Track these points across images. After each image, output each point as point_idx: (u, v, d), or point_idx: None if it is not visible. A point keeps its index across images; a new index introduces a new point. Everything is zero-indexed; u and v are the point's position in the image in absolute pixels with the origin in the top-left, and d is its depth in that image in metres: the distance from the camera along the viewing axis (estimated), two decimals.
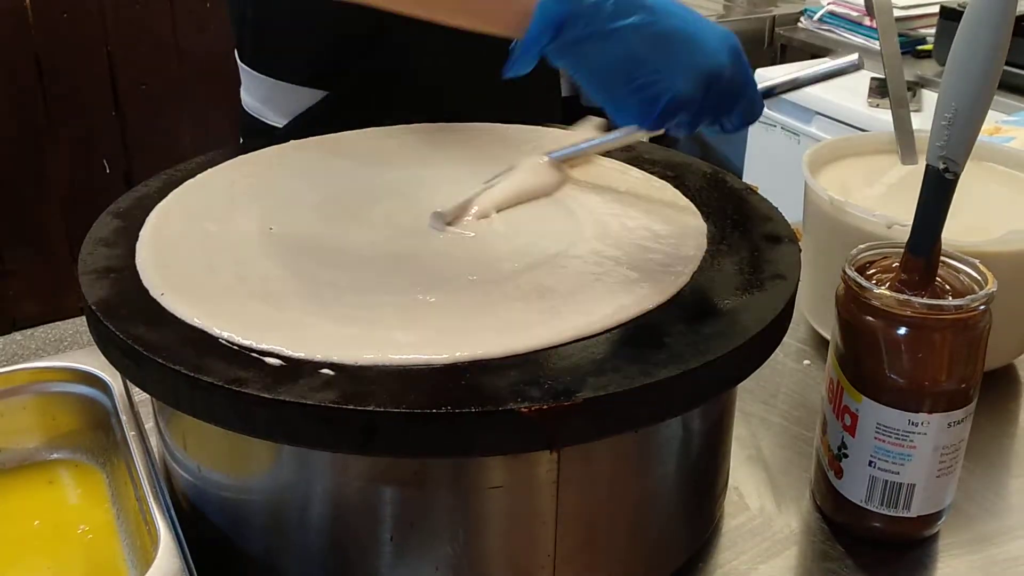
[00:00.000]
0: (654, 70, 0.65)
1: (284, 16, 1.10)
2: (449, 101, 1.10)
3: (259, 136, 0.87)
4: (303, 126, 1.06)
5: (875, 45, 2.35)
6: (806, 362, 0.96)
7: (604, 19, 0.64)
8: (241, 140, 1.17)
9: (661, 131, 0.70)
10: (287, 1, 1.09)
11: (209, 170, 0.83)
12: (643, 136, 0.81)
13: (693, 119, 0.68)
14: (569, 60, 0.67)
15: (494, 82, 1.08)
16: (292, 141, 0.91)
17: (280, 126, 1.11)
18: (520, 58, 0.67)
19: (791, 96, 2.39)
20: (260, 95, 1.15)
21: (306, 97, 1.11)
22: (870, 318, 0.68)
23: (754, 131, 2.53)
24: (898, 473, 0.69)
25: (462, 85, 1.10)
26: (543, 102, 1.19)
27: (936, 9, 2.35)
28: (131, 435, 0.72)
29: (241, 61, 1.18)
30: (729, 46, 0.68)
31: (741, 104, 0.70)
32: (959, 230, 0.74)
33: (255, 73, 1.14)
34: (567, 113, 1.04)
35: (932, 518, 0.72)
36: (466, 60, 1.08)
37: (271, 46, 1.13)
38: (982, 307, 0.67)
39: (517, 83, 0.72)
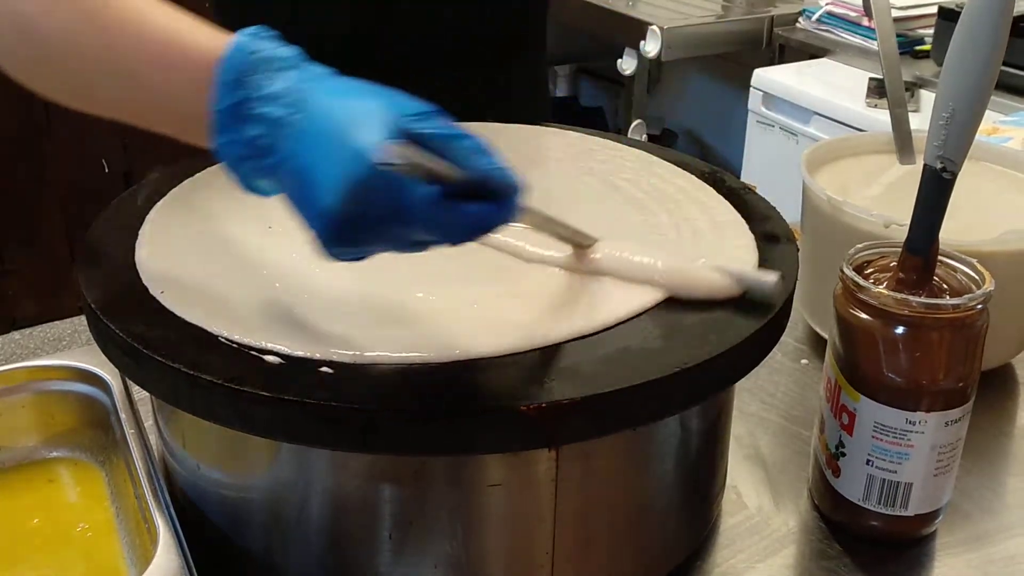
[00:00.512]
0: (301, 214, 0.55)
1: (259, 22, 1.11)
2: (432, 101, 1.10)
3: None
4: None
5: (873, 45, 2.35)
6: (804, 361, 0.96)
7: (264, 154, 0.56)
8: None
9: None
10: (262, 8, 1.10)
11: (208, 168, 0.83)
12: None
13: (365, 249, 0.56)
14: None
15: (477, 83, 1.09)
16: None
17: None
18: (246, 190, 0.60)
19: (790, 97, 2.39)
20: None
21: None
22: (868, 317, 0.68)
23: (752, 131, 2.53)
24: (895, 472, 0.70)
25: (444, 86, 1.10)
26: (529, 103, 1.18)
27: (934, 10, 2.35)
28: (130, 433, 0.72)
29: None
30: (342, 183, 0.52)
31: (409, 231, 0.54)
32: (957, 229, 0.74)
33: None
34: (563, 113, 1.04)
35: (929, 517, 0.72)
36: (448, 61, 1.08)
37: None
38: (979, 306, 0.67)
39: (501, 84, 0.70)
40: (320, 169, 0.53)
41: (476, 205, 0.53)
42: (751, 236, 0.74)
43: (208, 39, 0.59)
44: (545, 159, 0.86)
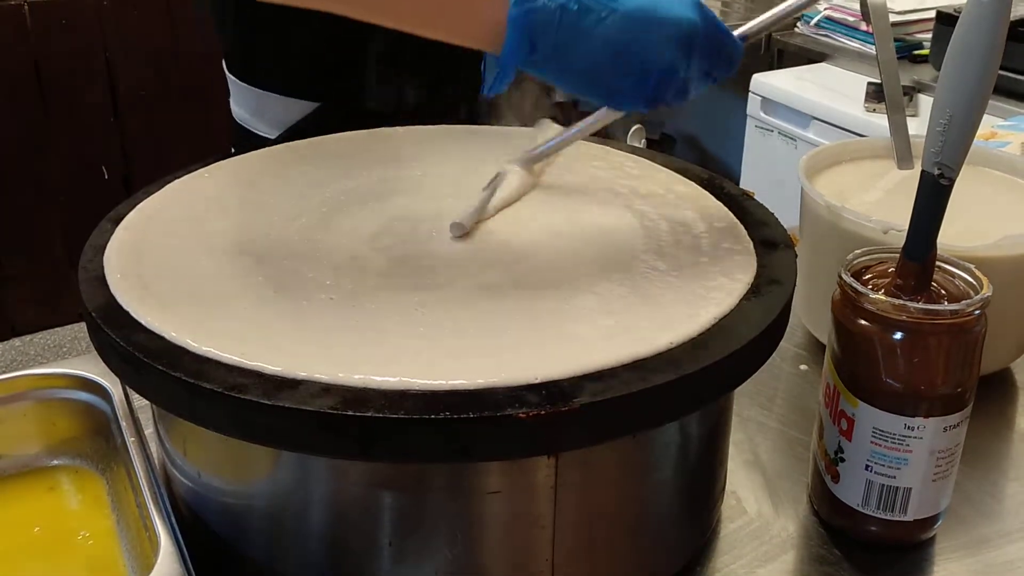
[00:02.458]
0: (636, 52, 0.66)
1: (268, 26, 1.10)
2: (439, 105, 1.10)
3: (251, 147, 0.87)
4: (294, 137, 1.06)
5: (872, 50, 2.36)
6: (803, 367, 0.96)
7: (573, 21, 0.65)
8: (232, 151, 1.17)
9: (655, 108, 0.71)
10: (269, 11, 1.10)
11: (199, 176, 0.84)
12: (618, 115, 0.80)
13: (685, 84, 0.69)
14: (549, 69, 0.67)
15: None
16: (284, 144, 0.92)
17: (272, 137, 1.11)
18: (499, 76, 0.67)
19: (788, 102, 2.39)
20: (249, 106, 1.15)
21: (296, 108, 1.10)
22: (866, 323, 0.68)
23: (751, 136, 2.53)
24: (894, 477, 0.70)
25: (451, 91, 1.11)
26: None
27: (932, 14, 2.36)
28: (131, 441, 0.72)
29: (229, 72, 1.17)
30: (694, 2, 0.68)
31: (723, 52, 0.71)
32: (955, 235, 0.74)
33: (243, 84, 1.14)
34: (563, 118, 1.04)
35: (928, 522, 0.72)
36: (456, 65, 1.08)
37: (257, 57, 1.13)
38: (978, 312, 0.67)
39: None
40: (663, 3, 0.66)
41: None
42: (749, 242, 0.74)
43: None
44: (548, 163, 0.86)
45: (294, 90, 1.10)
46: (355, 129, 0.95)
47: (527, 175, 0.83)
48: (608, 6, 0.65)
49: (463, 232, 0.74)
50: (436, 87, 1.11)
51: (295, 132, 1.09)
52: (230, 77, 1.17)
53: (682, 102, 0.71)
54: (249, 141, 1.14)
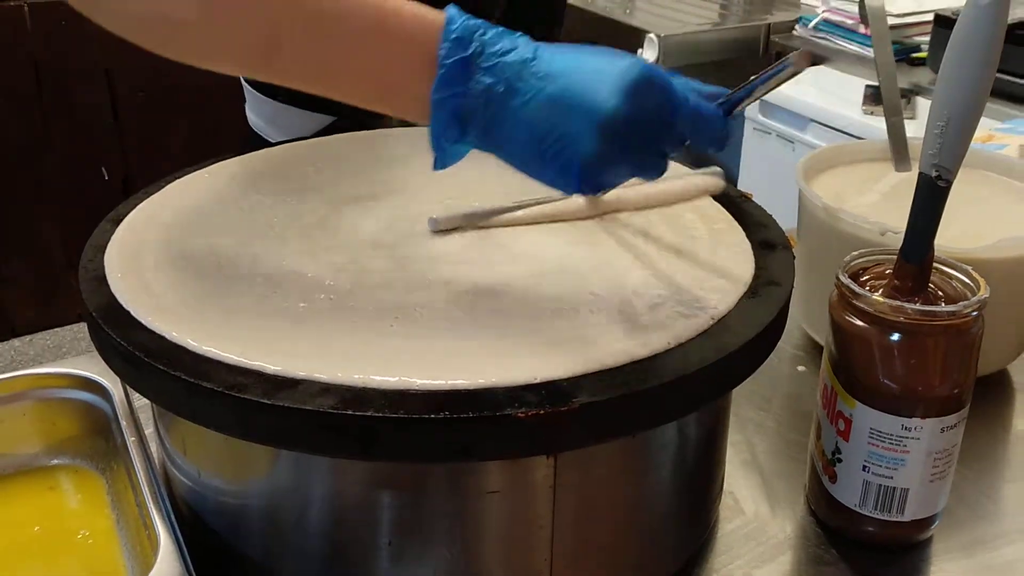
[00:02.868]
0: (557, 138, 0.61)
1: None
2: None
3: None
4: None
5: (870, 53, 2.36)
6: (800, 368, 0.96)
7: (500, 103, 0.61)
8: None
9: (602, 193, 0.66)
10: None
11: (199, 177, 0.84)
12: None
13: (622, 169, 0.63)
14: (486, 149, 0.64)
15: None
16: (284, 144, 0.92)
17: None
18: (438, 157, 0.64)
19: (786, 104, 2.40)
20: (264, 115, 1.15)
21: (311, 121, 1.11)
22: (864, 324, 0.68)
23: (749, 138, 2.54)
24: (892, 478, 0.70)
25: None
26: None
27: (930, 17, 2.36)
28: (131, 441, 0.72)
29: (245, 82, 1.18)
30: (623, 86, 0.60)
31: (680, 128, 0.63)
32: (952, 237, 0.74)
33: (259, 95, 1.14)
34: None
35: (926, 522, 0.73)
36: None
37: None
38: (975, 313, 0.67)
39: None
40: (590, 86, 0.60)
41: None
42: (748, 244, 0.74)
43: (417, 8, 0.63)
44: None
45: (310, 104, 1.10)
46: None
47: (577, 208, 0.78)
48: (535, 87, 0.61)
49: (437, 228, 0.74)
50: None
51: None
52: (247, 87, 1.18)
53: (650, 178, 0.65)
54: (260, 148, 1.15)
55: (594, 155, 0.60)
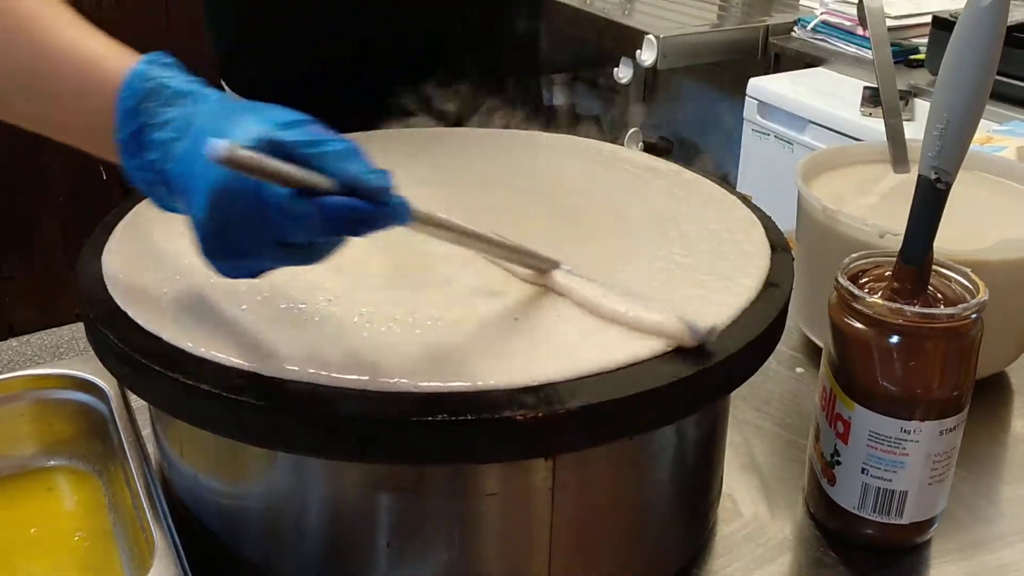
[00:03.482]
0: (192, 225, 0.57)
1: (262, 45, 1.12)
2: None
3: None
4: None
5: (868, 54, 2.36)
6: (799, 370, 0.96)
7: (159, 186, 0.60)
8: None
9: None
10: (264, 31, 1.10)
11: None
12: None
13: (247, 262, 0.57)
14: None
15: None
16: None
17: None
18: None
19: (785, 106, 2.40)
20: None
21: None
22: (862, 326, 0.68)
23: (748, 140, 2.53)
24: (891, 480, 0.70)
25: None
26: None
27: (928, 19, 2.36)
28: (128, 442, 0.72)
29: (227, 84, 1.19)
30: (207, 196, 0.54)
31: (274, 230, 0.54)
32: (951, 239, 0.74)
33: (240, 97, 1.15)
34: (559, 122, 1.04)
35: (925, 525, 0.73)
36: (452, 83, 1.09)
37: (251, 75, 1.14)
38: (974, 316, 0.67)
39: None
40: (192, 184, 0.55)
41: (339, 198, 0.53)
42: (766, 243, 0.74)
43: (118, 64, 0.61)
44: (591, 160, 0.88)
45: (277, 97, 1.11)
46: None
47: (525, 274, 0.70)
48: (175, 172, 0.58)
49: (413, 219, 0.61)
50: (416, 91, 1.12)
51: None
52: (227, 88, 1.18)
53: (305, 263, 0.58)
54: None
55: (208, 255, 0.56)
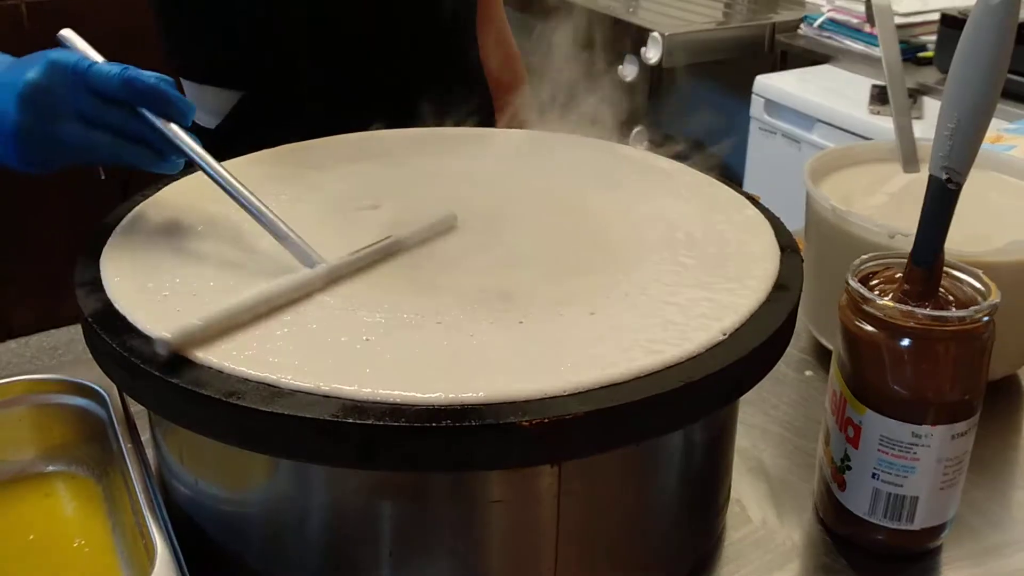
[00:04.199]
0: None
1: (184, 19, 1.15)
2: (356, 97, 1.11)
3: (197, 139, 0.86)
4: (232, 126, 1.12)
5: (876, 52, 2.35)
6: (808, 373, 0.95)
7: None
8: None
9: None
10: (186, 6, 1.12)
11: (197, 179, 0.83)
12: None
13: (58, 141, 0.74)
14: None
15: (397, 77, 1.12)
16: (286, 146, 0.91)
17: (211, 128, 1.14)
18: None
19: (792, 104, 2.39)
20: (192, 100, 1.17)
21: (223, 98, 1.12)
22: (873, 329, 0.67)
23: (755, 138, 2.53)
24: (901, 485, 0.69)
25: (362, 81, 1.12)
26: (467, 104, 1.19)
27: (937, 16, 2.35)
28: (127, 447, 0.71)
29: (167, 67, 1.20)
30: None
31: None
32: (962, 240, 0.73)
33: (182, 78, 1.17)
34: None
35: (936, 530, 0.72)
36: (365, 57, 1.09)
37: (180, 50, 1.16)
38: (985, 318, 0.66)
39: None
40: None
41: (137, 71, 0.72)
42: (775, 244, 0.73)
43: None
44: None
45: (215, 79, 1.12)
46: (281, 118, 0.95)
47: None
48: None
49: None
50: (367, 78, 1.12)
51: (229, 120, 1.14)
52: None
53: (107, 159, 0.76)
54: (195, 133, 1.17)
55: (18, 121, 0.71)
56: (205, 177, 0.77)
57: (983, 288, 0.68)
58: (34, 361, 2.92)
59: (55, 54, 0.72)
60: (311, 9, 1.08)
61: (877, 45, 0.95)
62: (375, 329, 0.61)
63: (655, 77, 2.99)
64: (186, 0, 1.12)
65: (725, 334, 0.61)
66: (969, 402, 0.68)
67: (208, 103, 1.14)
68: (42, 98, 0.71)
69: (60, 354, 2.97)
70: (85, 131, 0.73)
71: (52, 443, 0.78)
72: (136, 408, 0.75)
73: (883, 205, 0.95)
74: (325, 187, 0.82)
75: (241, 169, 0.76)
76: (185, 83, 1.16)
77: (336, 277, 0.67)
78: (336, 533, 0.62)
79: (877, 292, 0.69)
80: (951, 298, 0.68)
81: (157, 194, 0.80)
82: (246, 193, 0.71)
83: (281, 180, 0.83)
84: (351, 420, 0.53)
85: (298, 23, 1.09)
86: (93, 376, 0.75)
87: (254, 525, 0.65)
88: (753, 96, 2.50)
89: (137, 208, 0.78)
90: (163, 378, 0.57)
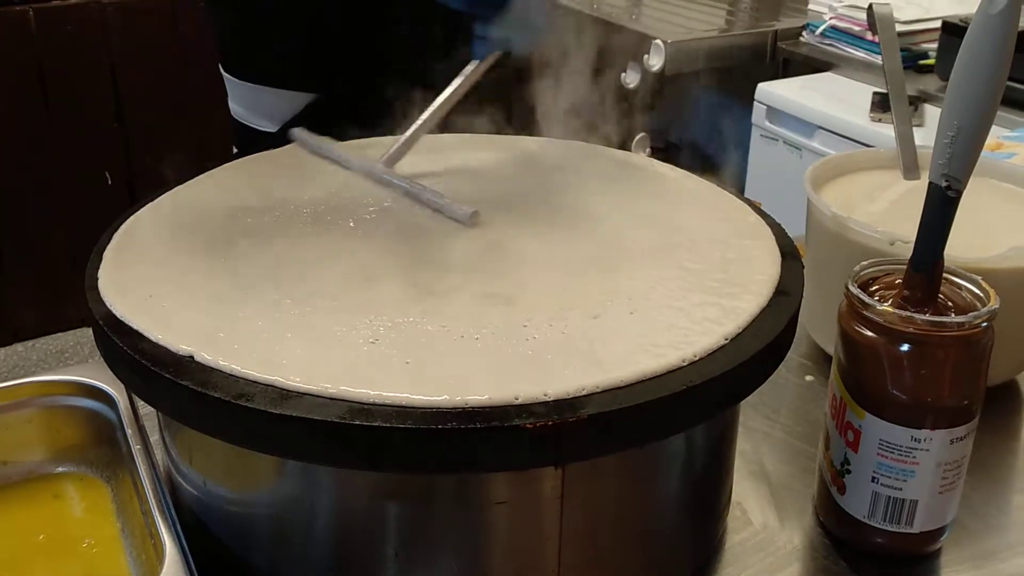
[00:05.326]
0: None
1: (263, 20, 1.13)
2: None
3: (253, 143, 0.88)
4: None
5: (877, 60, 2.36)
6: (809, 377, 0.96)
7: None
8: (234, 149, 1.17)
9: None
10: (266, 5, 1.11)
11: (205, 181, 0.84)
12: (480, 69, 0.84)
13: None
14: None
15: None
16: (289, 146, 0.92)
17: (272, 131, 1.12)
18: None
19: (794, 111, 2.39)
20: (243, 101, 1.16)
21: (288, 101, 1.11)
22: (873, 334, 0.68)
23: (756, 145, 2.53)
24: (901, 489, 0.70)
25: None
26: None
27: (938, 24, 2.36)
28: (136, 449, 0.72)
29: (224, 71, 1.18)
30: None
31: None
32: (961, 246, 0.74)
33: (237, 80, 1.15)
34: None
35: (935, 534, 0.72)
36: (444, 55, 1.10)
37: (250, 52, 1.15)
38: (984, 324, 0.67)
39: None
40: None
41: None
42: (776, 250, 0.74)
43: None
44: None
45: (287, 83, 1.11)
46: (351, 121, 0.95)
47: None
48: None
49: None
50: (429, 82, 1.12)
51: (292, 124, 1.10)
52: (226, 76, 1.18)
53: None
54: (249, 137, 1.15)
55: None
56: (212, 180, 0.78)
57: (982, 294, 0.69)
58: (40, 364, 2.93)
59: None
60: (380, 15, 1.07)
61: (879, 53, 0.95)
62: (381, 332, 0.62)
63: (657, 84, 3.00)
64: (254, 5, 1.11)
65: (727, 339, 0.62)
66: (968, 407, 0.68)
67: (268, 107, 1.13)
68: None
69: (67, 357, 2.98)
70: None
71: (61, 444, 0.79)
72: (145, 410, 0.76)
73: (884, 212, 0.96)
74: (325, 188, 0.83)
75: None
76: (238, 84, 1.15)
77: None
78: (342, 534, 0.63)
79: (877, 298, 0.69)
80: (950, 304, 0.69)
81: (165, 197, 0.81)
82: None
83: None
84: (358, 422, 0.54)
85: (368, 28, 1.08)
86: (102, 378, 0.76)
87: (262, 525, 0.66)
88: (755, 103, 2.51)
89: (145, 211, 0.78)
90: (173, 380, 0.57)
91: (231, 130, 1.20)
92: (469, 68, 0.84)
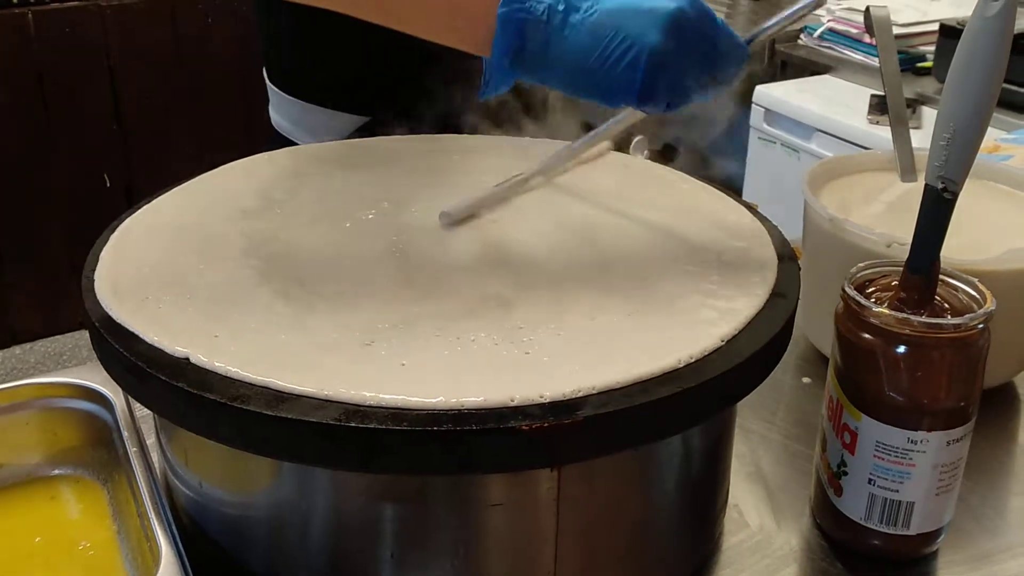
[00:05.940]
0: (621, 40, 0.66)
1: (322, 38, 1.11)
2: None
3: None
4: None
5: (875, 63, 2.36)
6: (805, 379, 0.96)
7: (561, 18, 0.66)
8: None
9: (657, 108, 0.69)
10: (327, 24, 1.10)
11: (204, 183, 0.84)
12: (636, 117, 0.83)
13: (679, 76, 0.68)
14: (539, 67, 0.68)
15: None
16: (290, 148, 0.92)
17: None
18: (492, 79, 0.69)
19: (791, 113, 2.39)
20: (291, 117, 1.15)
21: (340, 122, 1.10)
22: (869, 336, 0.68)
23: (754, 147, 2.53)
24: (897, 491, 0.70)
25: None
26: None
27: (936, 27, 2.36)
28: (133, 451, 0.72)
29: (270, 81, 1.17)
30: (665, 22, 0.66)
31: (720, 45, 0.70)
32: (958, 248, 0.74)
33: (285, 95, 1.14)
34: None
35: (931, 536, 0.72)
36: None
37: (306, 69, 1.13)
38: (981, 326, 0.67)
39: None
40: (633, 15, 0.66)
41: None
42: (773, 252, 0.74)
43: None
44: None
45: (342, 105, 1.10)
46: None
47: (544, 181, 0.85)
48: (594, 6, 0.66)
49: (451, 221, 0.77)
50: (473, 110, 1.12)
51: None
52: (271, 87, 1.17)
53: (683, 102, 0.69)
54: None
55: (659, 48, 0.65)
56: (210, 183, 0.78)
57: (979, 296, 0.69)
58: (38, 367, 2.93)
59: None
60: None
61: (876, 55, 0.95)
62: (377, 334, 0.62)
63: None
64: (315, 25, 1.10)
65: (723, 341, 0.62)
66: (964, 409, 0.68)
67: (316, 124, 1.12)
68: (687, 27, 0.67)
69: (64, 360, 2.98)
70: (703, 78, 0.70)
71: (58, 447, 0.79)
72: (141, 412, 0.76)
73: (881, 214, 0.96)
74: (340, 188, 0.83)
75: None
76: (285, 98, 1.14)
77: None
78: (338, 536, 0.63)
79: (873, 300, 0.69)
80: (947, 306, 0.69)
81: (164, 199, 0.81)
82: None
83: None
84: (353, 424, 0.54)
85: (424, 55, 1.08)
86: (99, 380, 0.76)
87: (258, 527, 0.66)
88: (753, 106, 2.51)
89: (143, 213, 0.78)
90: (169, 382, 0.57)
91: (269, 139, 1.18)
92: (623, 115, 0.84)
